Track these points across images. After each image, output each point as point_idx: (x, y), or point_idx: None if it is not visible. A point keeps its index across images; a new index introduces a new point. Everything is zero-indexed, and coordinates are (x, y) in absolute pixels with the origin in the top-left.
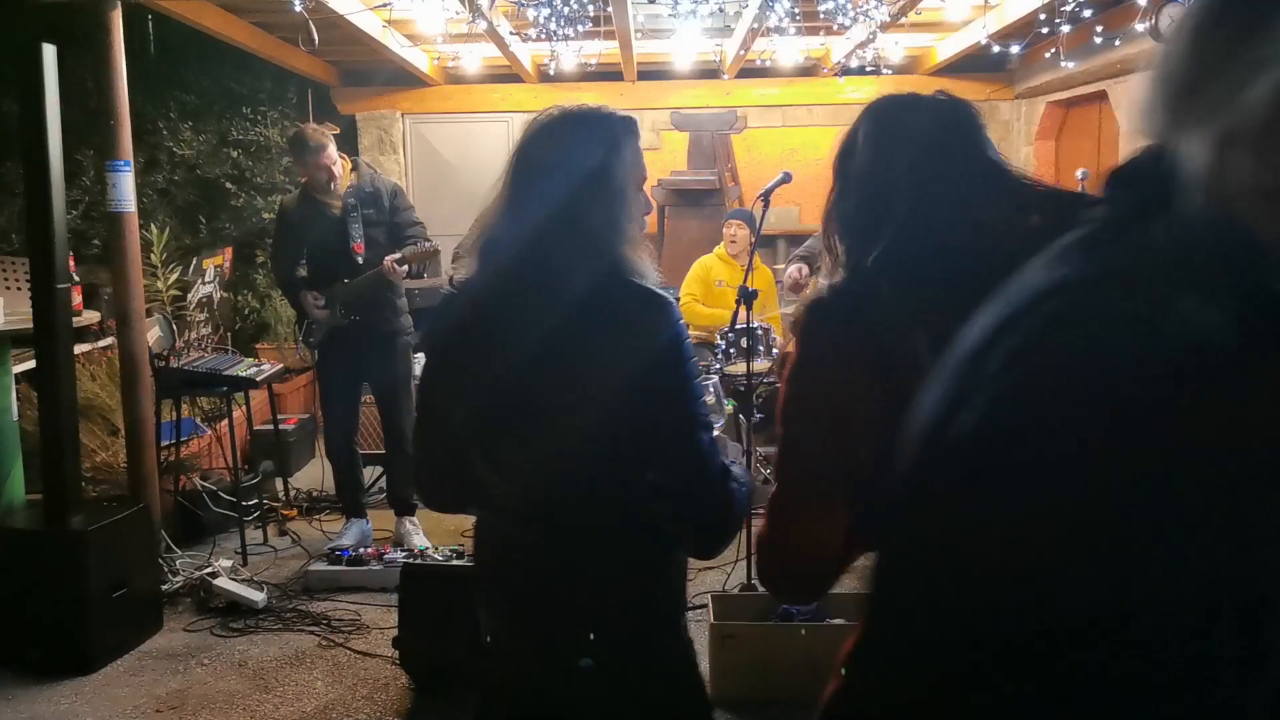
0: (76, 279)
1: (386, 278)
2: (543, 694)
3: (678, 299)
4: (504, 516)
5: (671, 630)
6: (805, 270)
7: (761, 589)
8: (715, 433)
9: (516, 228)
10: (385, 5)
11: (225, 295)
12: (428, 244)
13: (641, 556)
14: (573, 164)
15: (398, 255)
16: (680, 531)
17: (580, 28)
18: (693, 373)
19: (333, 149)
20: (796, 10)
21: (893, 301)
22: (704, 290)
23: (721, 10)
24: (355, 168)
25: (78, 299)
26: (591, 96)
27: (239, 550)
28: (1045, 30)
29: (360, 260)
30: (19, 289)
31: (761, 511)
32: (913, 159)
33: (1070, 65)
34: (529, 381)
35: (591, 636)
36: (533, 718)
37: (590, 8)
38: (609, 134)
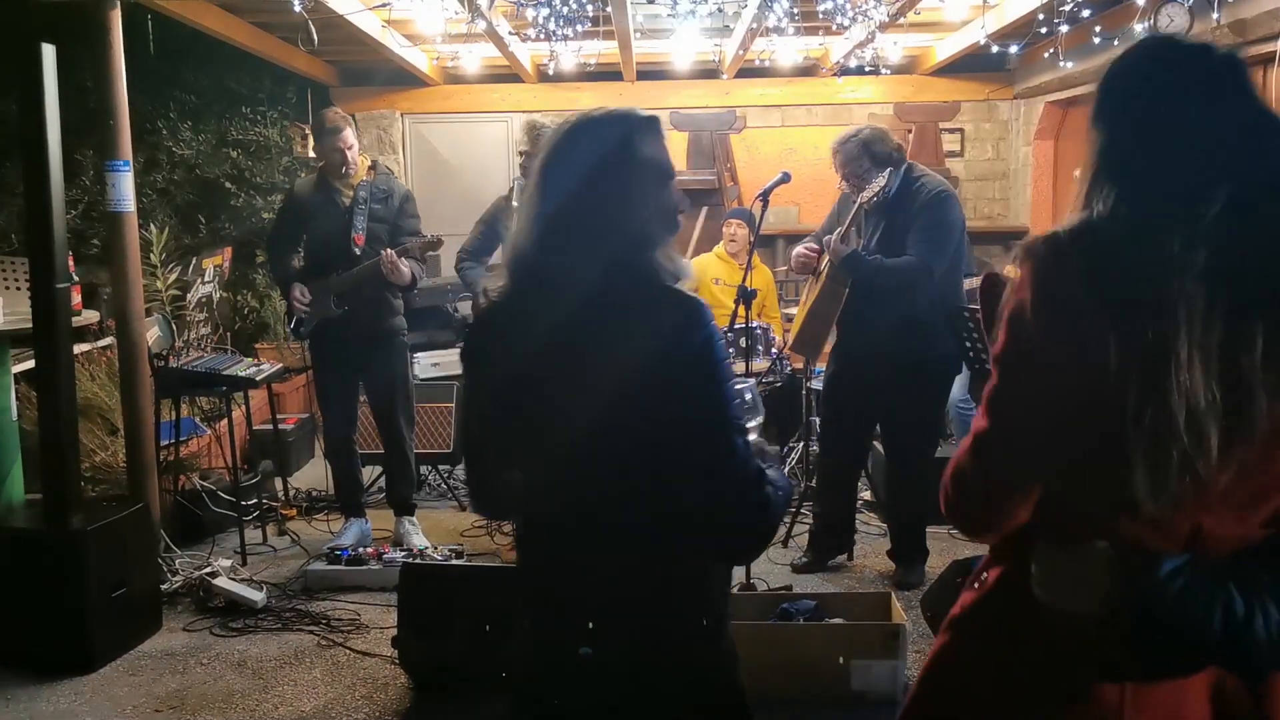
0: (76, 279)
1: (383, 270)
2: (564, 693)
3: None
4: (535, 519)
5: (710, 640)
6: (815, 248)
7: (762, 589)
8: (751, 436)
9: (542, 235)
10: (384, 5)
11: (224, 295)
12: (429, 236)
13: (672, 560)
14: (587, 167)
15: (400, 247)
16: (713, 536)
17: (579, 28)
18: (726, 375)
19: (350, 133)
20: (795, 10)
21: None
22: (701, 290)
23: (720, 10)
24: (374, 167)
25: (77, 299)
26: (590, 96)
27: (238, 550)
28: (1044, 30)
29: (357, 252)
30: (19, 289)
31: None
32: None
33: (1069, 65)
34: (556, 388)
35: (591, 626)
36: (552, 715)
37: (589, 8)
38: (623, 133)
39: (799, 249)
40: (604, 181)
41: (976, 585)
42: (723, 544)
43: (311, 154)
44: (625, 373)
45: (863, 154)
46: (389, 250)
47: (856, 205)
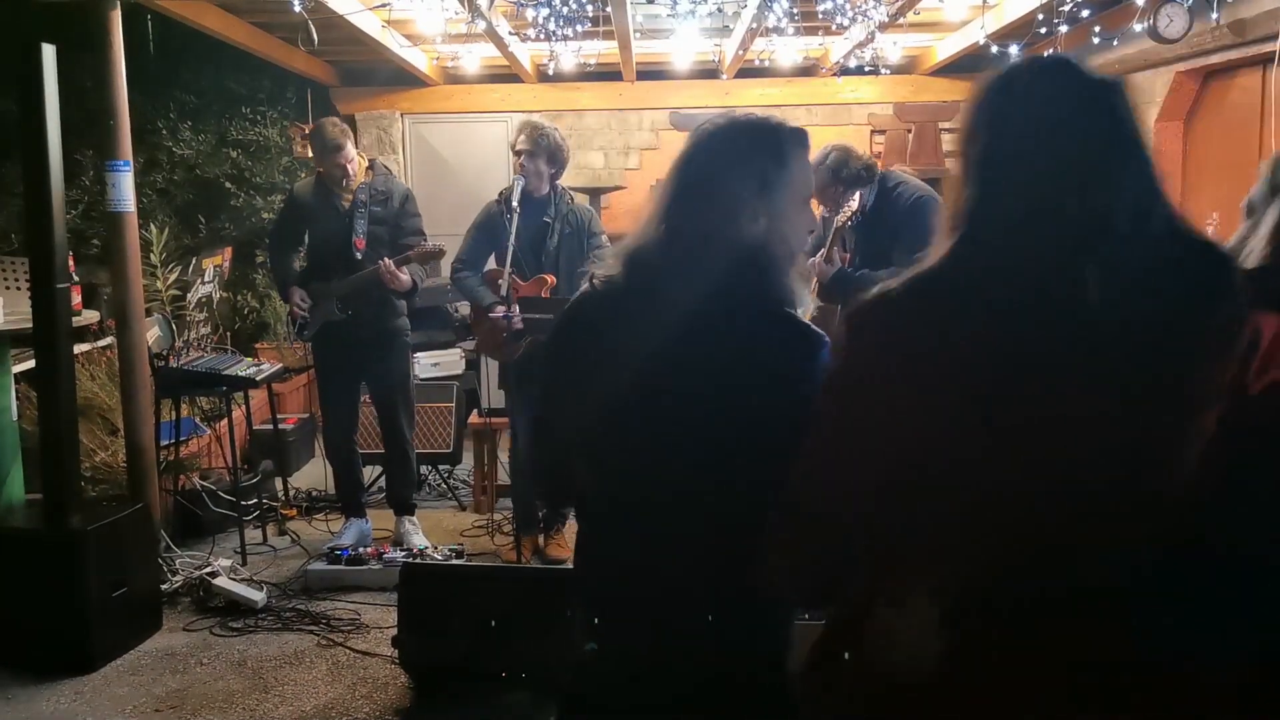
0: (76, 279)
1: (383, 279)
2: (623, 699)
3: None
4: (608, 524)
5: (775, 667)
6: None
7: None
8: None
9: (667, 237)
10: (384, 5)
11: (224, 295)
12: (430, 245)
13: (747, 583)
14: (733, 176)
15: (399, 255)
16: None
17: (579, 28)
18: None
19: (350, 149)
20: (795, 10)
21: None
22: None
23: (720, 10)
24: (371, 167)
25: (77, 299)
26: (590, 96)
27: (238, 550)
28: (1044, 30)
29: (358, 256)
30: (19, 289)
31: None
32: None
33: None
34: (657, 398)
35: (658, 636)
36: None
37: (589, 8)
38: (774, 144)
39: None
40: (744, 192)
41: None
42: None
43: (311, 154)
44: (736, 394)
45: (833, 180)
46: (387, 260)
47: (834, 228)
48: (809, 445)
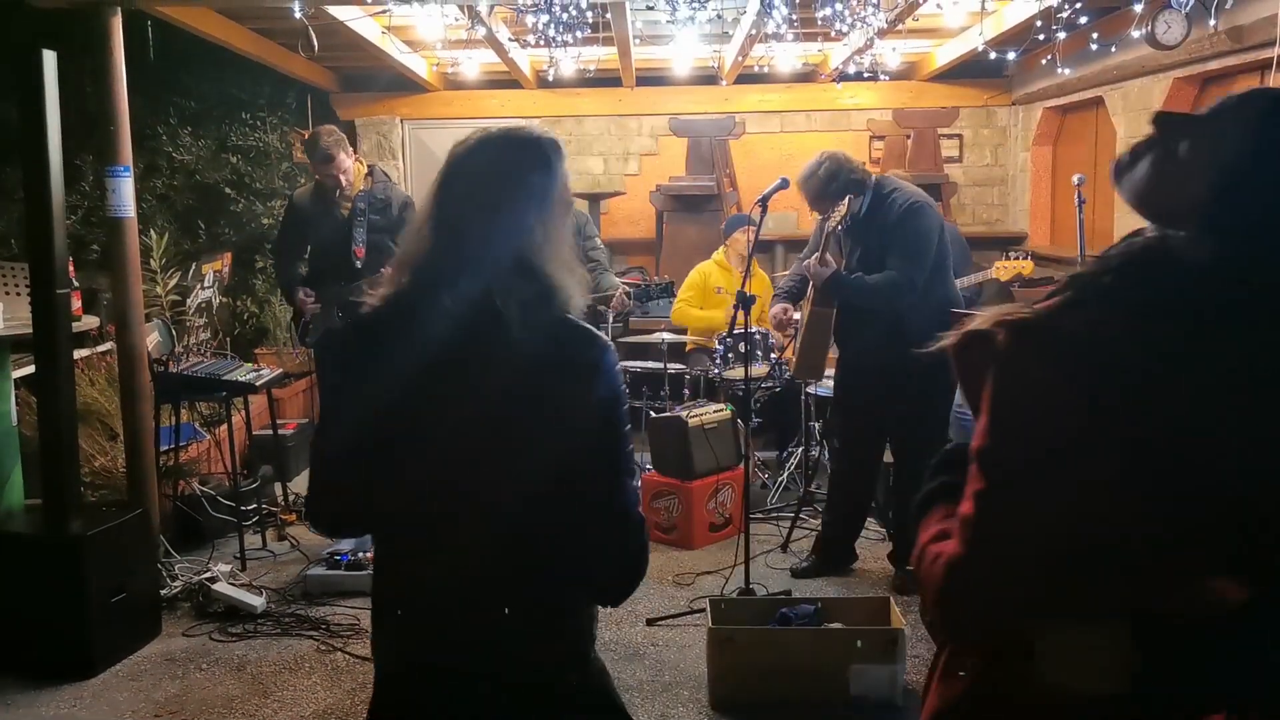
0: (76, 284)
1: None
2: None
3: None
4: (401, 540)
5: (580, 663)
6: (788, 307)
7: (762, 594)
8: (637, 481)
9: (446, 248)
10: (384, 11)
11: (224, 300)
12: None
13: (548, 593)
14: (507, 187)
15: None
16: (592, 574)
17: (579, 34)
18: (625, 418)
19: (344, 159)
20: (794, 16)
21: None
22: (701, 296)
23: (720, 16)
24: (370, 174)
25: (77, 304)
26: (590, 102)
27: (238, 555)
28: (1042, 37)
29: (358, 265)
30: (19, 294)
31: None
32: None
33: (1067, 72)
34: (445, 409)
35: (459, 645)
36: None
37: (589, 14)
38: (542, 156)
39: (774, 310)
40: (519, 202)
41: (961, 674)
42: (601, 585)
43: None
44: (523, 405)
45: (827, 189)
46: (388, 270)
47: (825, 232)
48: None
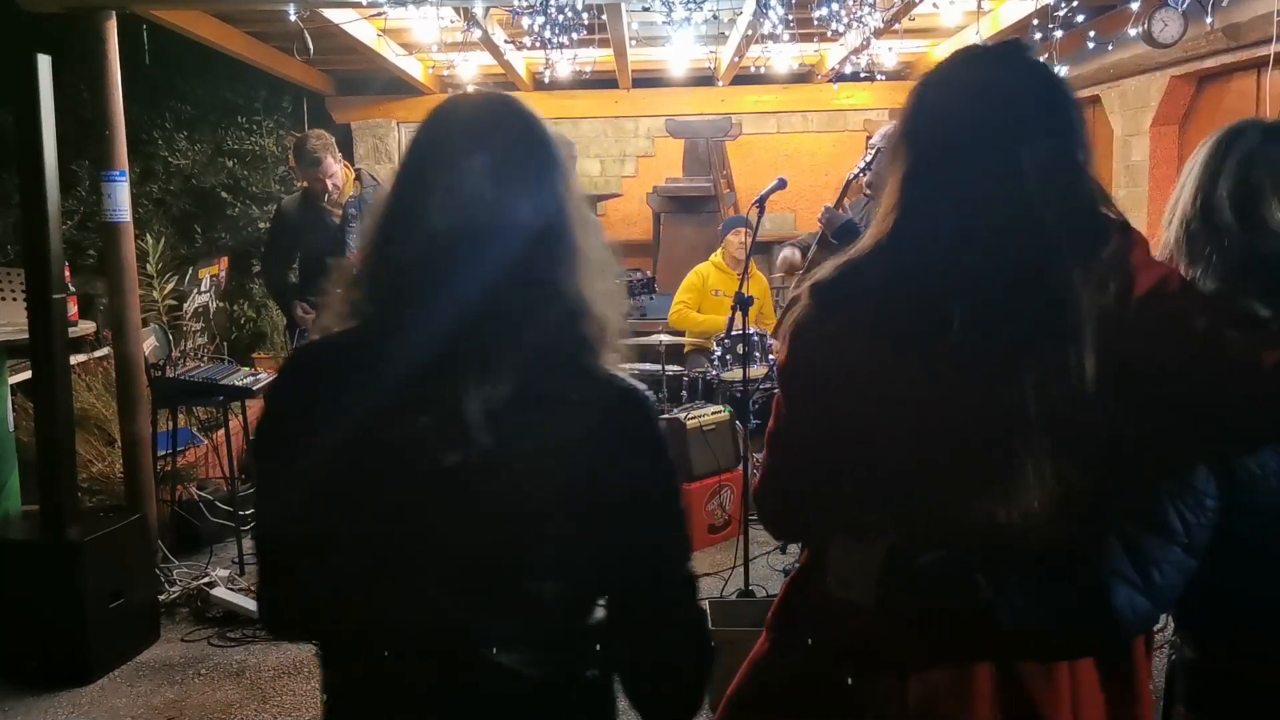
0: (72, 289)
1: None
2: None
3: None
4: (392, 650)
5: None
6: (798, 255)
7: (761, 596)
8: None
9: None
10: (380, 14)
11: (221, 305)
12: None
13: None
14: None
15: None
16: (639, 682)
17: (575, 36)
18: (680, 487)
19: (331, 162)
20: (790, 17)
21: None
22: (698, 298)
23: (716, 18)
24: (358, 177)
25: (73, 309)
26: (586, 104)
27: (236, 560)
28: (1038, 35)
29: None
30: (14, 300)
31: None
32: None
33: (1063, 70)
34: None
35: None
36: None
37: (585, 16)
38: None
39: (785, 253)
40: (549, 221)
41: (789, 573)
42: (652, 692)
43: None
44: (553, 472)
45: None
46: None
47: (847, 179)
48: (781, 408)
